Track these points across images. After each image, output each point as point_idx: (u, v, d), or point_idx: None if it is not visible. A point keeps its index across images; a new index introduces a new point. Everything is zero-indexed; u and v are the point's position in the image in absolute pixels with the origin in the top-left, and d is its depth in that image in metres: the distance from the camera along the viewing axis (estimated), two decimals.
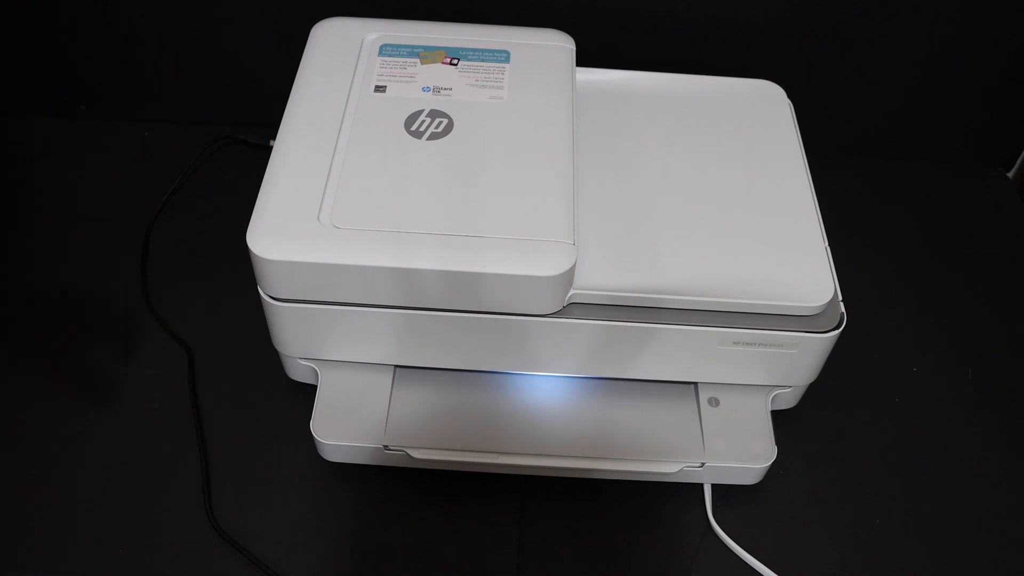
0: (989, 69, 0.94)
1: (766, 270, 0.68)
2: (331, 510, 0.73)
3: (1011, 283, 0.92)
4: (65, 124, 1.00)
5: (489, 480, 0.74)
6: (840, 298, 0.68)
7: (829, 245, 0.70)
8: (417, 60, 0.76)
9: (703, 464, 0.71)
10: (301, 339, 0.70)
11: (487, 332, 0.67)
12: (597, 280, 0.66)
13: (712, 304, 0.66)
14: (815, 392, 0.76)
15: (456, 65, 0.76)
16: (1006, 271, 0.93)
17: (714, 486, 0.74)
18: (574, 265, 0.64)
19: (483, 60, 0.76)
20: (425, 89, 0.74)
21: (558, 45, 0.79)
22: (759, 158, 0.76)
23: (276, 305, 0.67)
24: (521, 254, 0.63)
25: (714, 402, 0.73)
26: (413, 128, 0.71)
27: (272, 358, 0.76)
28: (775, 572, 0.70)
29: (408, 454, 0.70)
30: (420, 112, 0.72)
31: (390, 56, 0.76)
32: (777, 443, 0.71)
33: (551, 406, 0.73)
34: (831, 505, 0.75)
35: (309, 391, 0.74)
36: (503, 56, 0.77)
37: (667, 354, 0.69)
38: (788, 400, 0.76)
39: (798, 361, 0.70)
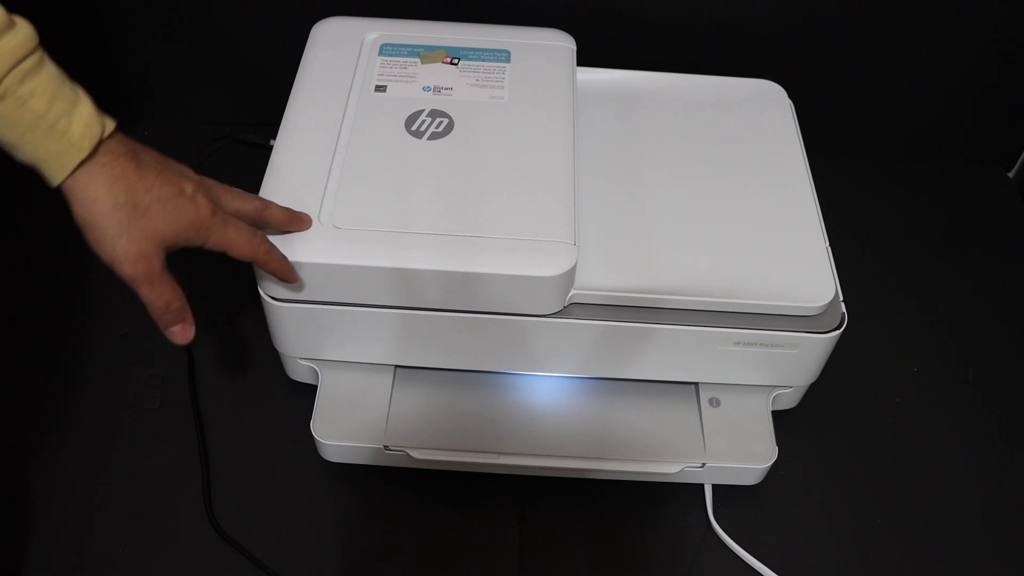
0: (989, 69, 0.94)
1: (767, 270, 0.68)
2: (331, 510, 0.73)
3: (1011, 283, 0.92)
4: None
5: (489, 480, 0.73)
6: (841, 298, 0.68)
7: (829, 245, 0.70)
8: (417, 60, 0.76)
9: (704, 464, 0.71)
10: (301, 339, 0.70)
11: (487, 332, 0.67)
12: (598, 280, 0.66)
13: (713, 304, 0.66)
14: (815, 392, 0.76)
15: (456, 65, 0.76)
16: (1006, 271, 0.93)
17: (714, 486, 0.74)
18: (575, 265, 0.63)
19: (483, 60, 0.76)
20: (425, 89, 0.74)
21: (559, 45, 0.79)
22: (760, 158, 0.76)
23: (276, 305, 0.67)
24: (522, 254, 0.63)
25: (715, 402, 0.73)
26: (413, 128, 0.71)
27: (272, 358, 0.76)
28: (775, 572, 0.70)
29: (408, 454, 0.70)
30: (420, 112, 0.72)
31: (390, 56, 0.76)
32: (777, 443, 0.71)
33: (551, 406, 0.73)
34: (831, 505, 0.75)
35: (309, 391, 0.74)
36: (503, 56, 0.77)
37: (668, 354, 0.69)
38: (789, 400, 0.76)
39: (799, 361, 0.70)
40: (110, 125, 0.54)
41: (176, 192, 0.56)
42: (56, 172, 0.52)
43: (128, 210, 0.54)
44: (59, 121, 0.51)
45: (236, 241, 0.59)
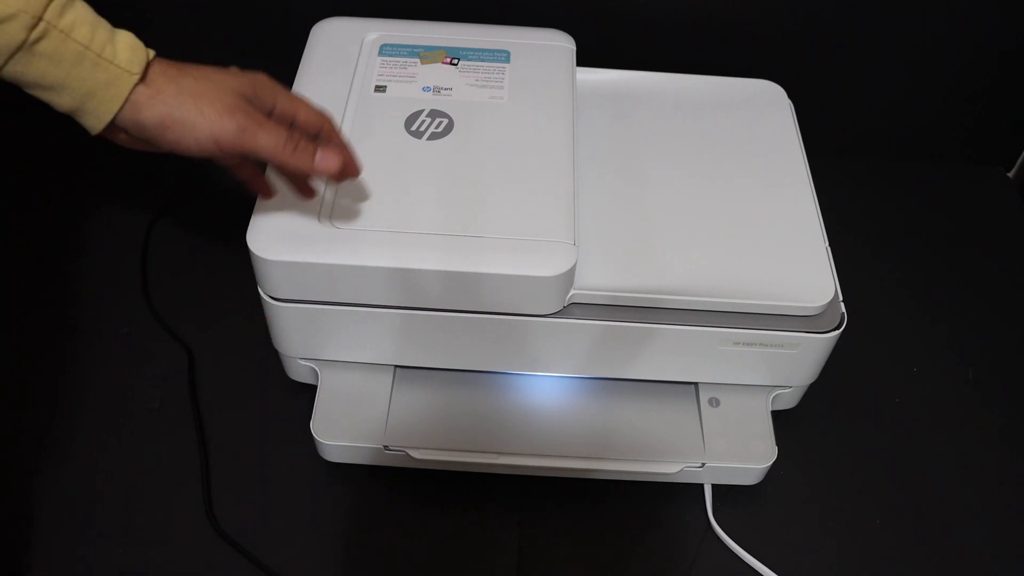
0: (989, 69, 0.94)
1: (766, 270, 0.68)
2: (331, 510, 0.73)
3: (1011, 283, 0.92)
4: (65, 122, 0.99)
5: (489, 480, 0.74)
6: (840, 298, 0.68)
7: (829, 245, 0.70)
8: (417, 60, 0.76)
9: (703, 464, 0.71)
10: (301, 339, 0.70)
11: (487, 332, 0.67)
12: (597, 280, 0.66)
13: (712, 304, 0.66)
14: (815, 392, 0.76)
15: (456, 65, 0.76)
16: (1006, 271, 0.93)
17: (714, 486, 0.74)
18: (574, 265, 0.63)
19: (483, 60, 0.76)
20: (425, 89, 0.74)
21: (558, 45, 0.79)
22: (760, 158, 0.76)
23: (276, 305, 0.67)
24: (521, 254, 0.63)
25: (714, 402, 0.73)
26: (413, 128, 0.71)
27: (272, 358, 0.76)
28: (775, 572, 0.70)
29: (408, 454, 0.70)
30: (420, 112, 0.72)
31: (390, 56, 0.76)
32: (777, 443, 0.71)
33: (551, 406, 0.73)
34: (831, 505, 0.75)
35: (309, 391, 0.74)
36: (503, 56, 0.77)
37: (667, 354, 0.69)
38: (788, 400, 0.76)
39: (798, 361, 0.70)
40: (151, 52, 0.53)
41: (220, 69, 0.56)
42: (108, 104, 0.50)
43: (194, 82, 0.52)
44: (104, 49, 0.50)
45: (302, 104, 0.57)
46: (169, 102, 0.52)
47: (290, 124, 0.58)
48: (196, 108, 0.52)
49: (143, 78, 0.51)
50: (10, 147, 0.97)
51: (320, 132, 0.59)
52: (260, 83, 0.56)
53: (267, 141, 0.54)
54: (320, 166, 0.57)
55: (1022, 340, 0.87)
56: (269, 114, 0.57)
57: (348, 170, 0.60)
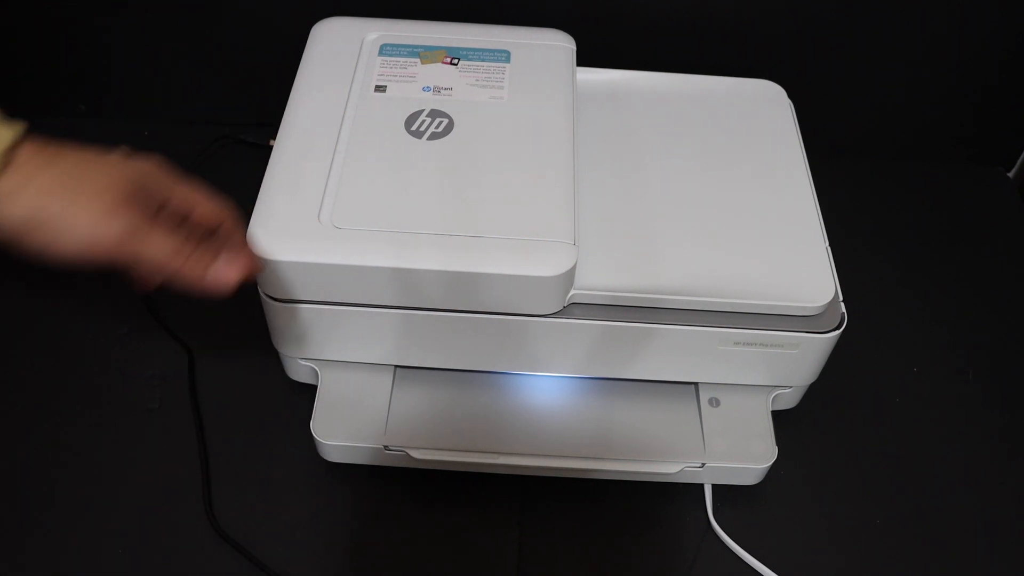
0: (990, 69, 0.94)
1: (766, 270, 0.68)
2: (331, 510, 0.73)
3: (1011, 283, 0.92)
4: (64, 124, 0.99)
5: (489, 480, 0.74)
6: (841, 298, 0.68)
7: (829, 245, 0.70)
8: (417, 60, 0.76)
9: (704, 464, 0.71)
10: (301, 339, 0.70)
11: (487, 332, 0.67)
12: (598, 280, 0.66)
13: (712, 304, 0.66)
14: (815, 392, 0.76)
15: (456, 65, 0.76)
16: (1006, 271, 0.93)
17: (714, 486, 0.74)
18: (575, 265, 0.63)
19: (483, 60, 0.76)
20: (425, 89, 0.74)
21: (558, 45, 0.79)
22: (759, 158, 0.76)
23: (276, 305, 0.67)
24: (521, 254, 0.63)
25: (715, 402, 0.73)
26: (413, 128, 0.71)
27: (272, 358, 0.76)
28: (775, 572, 0.70)
29: (408, 454, 0.70)
30: (420, 112, 0.72)
31: (390, 56, 0.76)
32: (777, 443, 0.71)
33: (551, 406, 0.73)
34: (831, 505, 0.75)
35: (309, 391, 0.74)
36: (503, 56, 0.77)
37: (667, 354, 0.69)
38: (789, 400, 0.76)
39: (799, 361, 0.70)
40: (17, 128, 0.43)
41: (105, 154, 0.47)
42: None
43: (73, 167, 0.43)
44: None
45: (200, 198, 0.50)
46: (42, 194, 0.42)
47: (183, 220, 0.50)
48: (74, 203, 0.42)
49: (8, 162, 0.42)
50: None
51: (219, 230, 0.51)
52: (151, 173, 0.47)
53: (155, 251, 0.45)
54: (212, 282, 0.48)
55: (1022, 340, 0.87)
56: (160, 209, 0.48)
57: (250, 272, 0.53)
